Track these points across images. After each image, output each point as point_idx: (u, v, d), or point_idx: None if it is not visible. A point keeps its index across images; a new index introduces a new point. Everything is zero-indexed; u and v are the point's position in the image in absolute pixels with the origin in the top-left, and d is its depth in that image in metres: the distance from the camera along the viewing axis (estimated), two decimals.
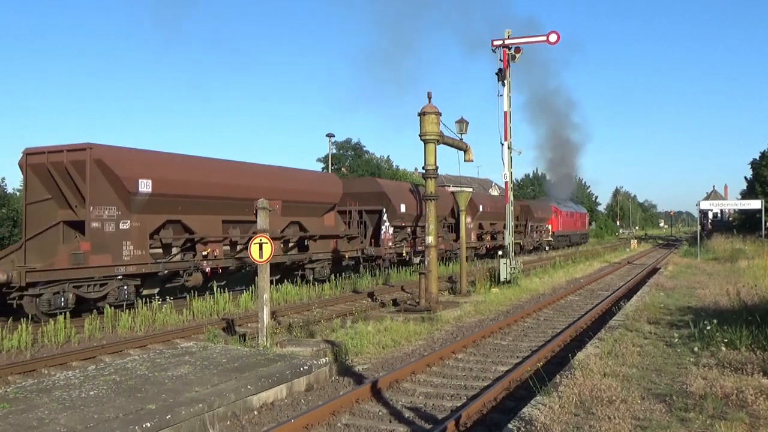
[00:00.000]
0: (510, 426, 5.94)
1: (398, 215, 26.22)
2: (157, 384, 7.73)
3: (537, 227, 47.17)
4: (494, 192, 74.38)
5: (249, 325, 14.51)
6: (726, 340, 9.28)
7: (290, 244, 21.46)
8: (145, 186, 15.33)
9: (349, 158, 54.46)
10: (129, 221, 15.32)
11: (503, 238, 36.30)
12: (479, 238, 35.61)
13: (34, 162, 15.37)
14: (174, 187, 16.19)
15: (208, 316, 15.50)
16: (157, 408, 6.70)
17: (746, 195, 61.44)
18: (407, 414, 7.65)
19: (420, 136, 16.03)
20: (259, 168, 20.23)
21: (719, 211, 75.52)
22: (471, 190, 47.06)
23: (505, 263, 21.61)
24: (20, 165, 15.67)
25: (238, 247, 18.78)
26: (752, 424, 5.80)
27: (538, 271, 27.55)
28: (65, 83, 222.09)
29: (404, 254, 27.02)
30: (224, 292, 17.27)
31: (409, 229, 27.70)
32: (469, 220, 32.98)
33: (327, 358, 9.54)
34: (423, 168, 16.45)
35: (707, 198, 75.19)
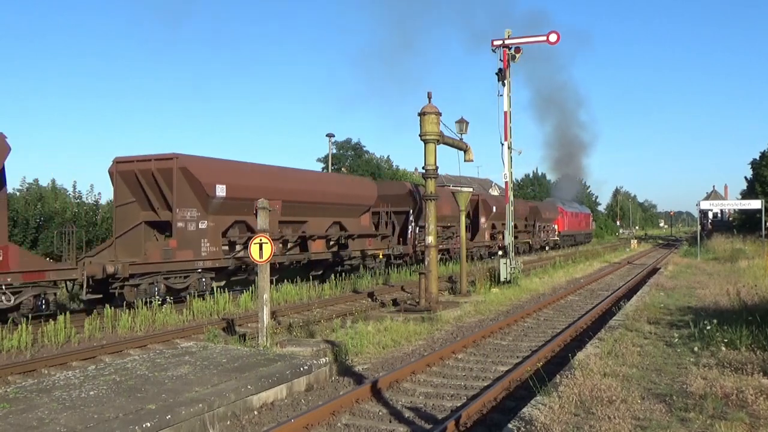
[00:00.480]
0: (510, 426, 5.94)
1: (423, 216, 27.01)
2: (157, 384, 7.73)
3: (544, 227, 48.91)
4: (494, 192, 74.44)
5: (249, 325, 14.51)
6: (726, 340, 9.28)
7: (331, 243, 23.28)
8: (220, 190, 17.43)
9: (349, 158, 54.47)
10: (206, 221, 17.40)
11: (514, 237, 40.42)
12: (492, 237, 37.30)
13: (122, 169, 17.27)
14: (242, 191, 17.99)
15: (208, 316, 15.50)
16: (157, 408, 6.70)
17: (746, 195, 61.43)
18: (407, 414, 7.65)
19: (420, 136, 16.03)
20: (309, 174, 23.48)
21: (719, 211, 75.53)
22: (471, 190, 47.49)
23: (505, 263, 21.62)
24: (110, 172, 17.48)
25: (289, 245, 20.93)
26: (752, 424, 5.80)
27: (538, 271, 27.55)
28: (65, 83, 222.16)
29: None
30: (224, 292, 17.28)
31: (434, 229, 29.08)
32: (483, 220, 35.51)
33: (327, 358, 9.54)
34: (423, 168, 16.46)
35: (707, 198, 75.18)
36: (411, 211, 27.43)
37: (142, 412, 6.54)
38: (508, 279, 21.26)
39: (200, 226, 17.22)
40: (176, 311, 15.11)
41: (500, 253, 25.35)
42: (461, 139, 18.87)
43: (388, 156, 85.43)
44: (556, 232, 52.34)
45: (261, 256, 10.25)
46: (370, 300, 18.65)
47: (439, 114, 16.07)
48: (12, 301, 13.25)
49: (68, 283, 15.65)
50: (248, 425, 7.26)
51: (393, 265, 26.49)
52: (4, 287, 13.04)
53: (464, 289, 18.81)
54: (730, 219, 71.68)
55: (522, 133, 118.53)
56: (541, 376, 7.68)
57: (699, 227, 45.72)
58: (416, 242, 27.66)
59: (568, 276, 26.30)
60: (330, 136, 44.50)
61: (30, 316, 13.35)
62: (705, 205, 43.89)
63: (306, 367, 8.80)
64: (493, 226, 37.36)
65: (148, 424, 6.23)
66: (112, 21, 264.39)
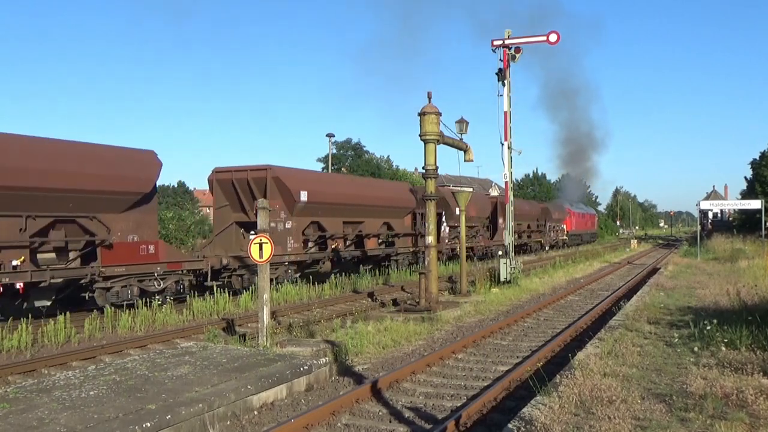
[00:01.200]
0: (510, 426, 5.94)
1: (454, 217, 31.55)
2: (157, 384, 7.73)
3: (554, 227, 52.66)
4: (494, 192, 74.59)
5: (249, 325, 14.51)
6: (726, 340, 9.27)
7: (379, 240, 26.51)
8: (304, 196, 20.48)
9: (349, 158, 54.49)
10: (291, 222, 20.54)
11: (528, 236, 45.05)
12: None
13: (220, 178, 20.67)
14: (319, 196, 21.27)
15: (208, 316, 15.50)
16: (157, 408, 6.70)
17: (746, 195, 61.43)
18: (407, 414, 7.65)
19: (420, 136, 16.03)
20: (366, 181, 29.16)
21: (719, 211, 75.49)
22: (471, 190, 47.77)
23: (505, 263, 21.61)
24: (209, 180, 20.95)
25: (347, 242, 24.02)
26: (752, 424, 5.80)
27: (538, 271, 27.55)
28: (65, 83, 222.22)
29: (457, 249, 31.72)
30: (224, 292, 17.30)
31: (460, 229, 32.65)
32: (501, 221, 38.83)
33: (327, 358, 9.54)
34: (423, 168, 16.45)
35: (707, 198, 75.08)
36: (443, 213, 31.19)
37: (142, 412, 6.54)
38: (508, 279, 21.25)
39: (286, 226, 20.43)
40: (176, 311, 15.11)
41: (500, 253, 25.59)
42: (461, 139, 18.87)
43: (388, 156, 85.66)
44: (565, 232, 56.07)
45: (261, 256, 10.23)
46: (370, 300, 18.65)
47: (439, 114, 16.06)
48: (161, 285, 16.40)
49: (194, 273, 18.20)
50: (248, 425, 7.26)
51: (395, 264, 27.72)
52: (156, 274, 16.20)
53: (464, 289, 18.81)
54: (730, 219, 71.64)
55: (530, 132, 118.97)
56: (541, 376, 7.67)
57: (699, 227, 45.74)
58: (447, 240, 31.94)
59: (568, 276, 26.30)
60: (330, 136, 44.53)
61: (124, 304, 15.14)
62: (705, 205, 43.88)
63: (306, 367, 8.80)
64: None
65: (148, 424, 6.23)
66: (111, 20, 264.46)
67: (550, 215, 50.42)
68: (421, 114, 15.92)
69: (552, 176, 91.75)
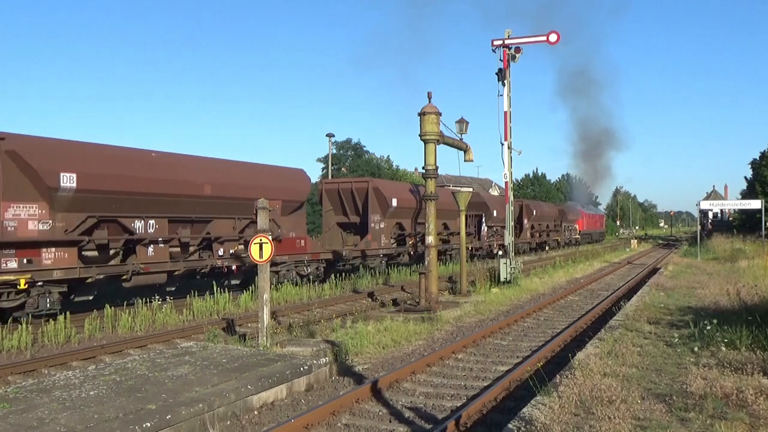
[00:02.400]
0: (510, 426, 5.94)
1: (492, 219, 37.14)
2: (157, 384, 7.73)
3: (569, 227, 59.20)
4: (494, 192, 74.66)
5: (249, 325, 14.51)
6: (726, 340, 9.27)
7: (440, 238, 29.83)
8: (395, 202, 25.76)
9: (349, 158, 54.46)
10: (384, 223, 25.46)
11: (547, 235, 51.52)
12: (531, 235, 47.62)
13: (327, 188, 26.55)
14: (405, 202, 26.76)
15: (208, 316, 15.50)
16: (157, 408, 6.70)
17: (746, 195, 61.39)
18: (407, 414, 7.65)
19: (420, 136, 16.02)
20: (444, 189, 31.80)
21: (719, 211, 75.34)
22: (471, 190, 48.11)
23: (505, 263, 21.60)
24: (319, 190, 27.00)
25: (417, 239, 28.11)
26: (752, 424, 5.80)
27: (538, 271, 27.54)
28: (65, 82, 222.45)
29: (495, 247, 36.59)
30: (224, 292, 17.30)
31: (496, 228, 38.21)
32: (526, 221, 45.50)
33: (327, 358, 9.54)
34: (423, 168, 16.45)
35: (707, 198, 75.04)
36: (484, 215, 36.17)
37: (142, 412, 6.54)
38: (508, 279, 21.24)
39: (381, 226, 25.35)
40: (176, 311, 15.11)
41: (500, 252, 25.74)
42: (461, 139, 18.87)
43: (388, 156, 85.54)
44: (578, 231, 62.24)
45: (261, 256, 10.23)
46: (370, 300, 18.65)
47: (439, 114, 16.06)
48: (308, 271, 21.21)
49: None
50: (248, 425, 7.26)
51: (398, 264, 29.18)
52: (305, 261, 21.08)
53: (464, 289, 18.80)
54: (730, 219, 71.55)
55: (530, 131, 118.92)
56: (541, 376, 7.67)
57: (699, 227, 45.75)
58: (486, 238, 36.71)
59: (568, 276, 26.29)
60: (330, 136, 44.53)
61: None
62: (705, 205, 43.87)
63: (306, 367, 8.80)
64: (533, 227, 47.97)
65: (148, 424, 6.23)
66: (110, 20, 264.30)
67: (566, 216, 56.71)
68: (421, 114, 15.91)
69: (552, 176, 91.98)
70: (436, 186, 16.52)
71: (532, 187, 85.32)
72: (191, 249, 18.05)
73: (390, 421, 7.40)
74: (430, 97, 16.01)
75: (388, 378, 8.90)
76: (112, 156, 15.65)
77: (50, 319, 13.06)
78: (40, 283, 13.61)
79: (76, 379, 8.05)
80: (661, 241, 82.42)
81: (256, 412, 7.62)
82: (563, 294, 19.93)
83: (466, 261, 26.63)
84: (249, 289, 18.09)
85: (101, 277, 15.07)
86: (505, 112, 22.61)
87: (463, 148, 19.14)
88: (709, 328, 9.66)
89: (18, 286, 13.09)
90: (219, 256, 18.52)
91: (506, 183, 23.30)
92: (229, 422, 7.20)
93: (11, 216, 13.31)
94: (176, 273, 17.07)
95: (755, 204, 38.35)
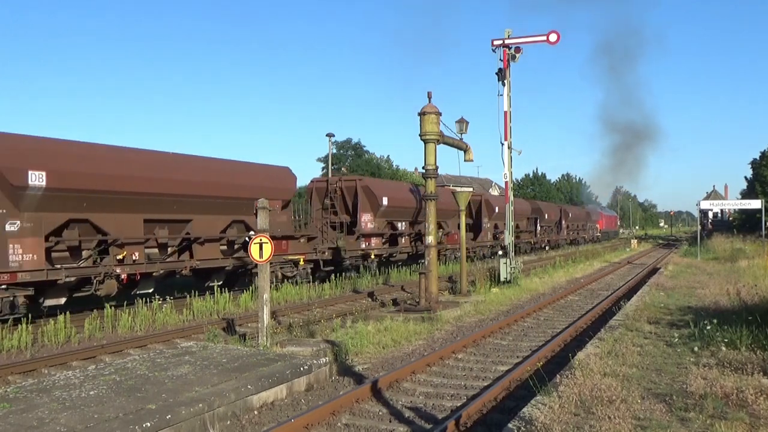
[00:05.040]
0: (510, 426, 5.94)
1: (545, 220, 43.63)
2: (157, 384, 7.73)
3: (592, 226, 71.76)
4: (495, 192, 74.77)
5: (249, 324, 14.51)
6: (726, 340, 9.27)
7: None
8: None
9: (349, 158, 54.48)
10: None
11: (576, 233, 62.17)
12: (567, 234, 57.26)
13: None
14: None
15: (208, 316, 15.50)
16: (157, 408, 6.70)
17: (746, 195, 61.46)
18: (407, 414, 7.65)
19: (420, 135, 16.02)
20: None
21: (719, 211, 75.35)
22: (471, 189, 48.30)
23: (505, 263, 21.59)
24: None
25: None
26: (752, 424, 5.80)
27: (538, 271, 27.54)
28: (64, 83, 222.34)
29: (544, 243, 43.96)
30: (224, 292, 17.29)
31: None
32: (564, 222, 53.68)
33: (327, 358, 9.54)
34: (423, 168, 16.44)
35: (707, 198, 75.04)
36: (538, 218, 41.62)
37: (142, 412, 6.54)
38: (508, 279, 21.24)
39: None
40: (176, 311, 15.11)
41: (500, 252, 25.69)
42: (461, 138, 18.86)
43: (388, 156, 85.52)
44: (599, 230, 75.20)
45: (261, 256, 10.23)
46: (370, 300, 18.65)
47: (439, 114, 16.06)
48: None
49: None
50: (248, 425, 7.26)
51: (394, 264, 28.39)
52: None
53: (464, 289, 18.80)
54: (730, 219, 71.56)
55: (531, 131, 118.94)
56: (541, 376, 7.67)
57: (699, 227, 45.73)
58: (537, 235, 42.52)
59: (568, 276, 26.29)
60: (330, 136, 44.45)
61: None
62: (705, 204, 43.88)
63: (306, 367, 8.80)
64: (568, 226, 57.29)
65: (148, 424, 6.23)
66: (110, 19, 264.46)
67: (590, 217, 69.86)
68: (421, 114, 15.91)
69: (552, 176, 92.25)
70: (435, 184, 16.52)
71: (532, 187, 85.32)
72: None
73: (390, 421, 7.40)
74: (430, 97, 16.04)
75: (388, 378, 8.90)
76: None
77: (50, 319, 13.05)
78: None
79: (76, 379, 8.05)
80: (661, 241, 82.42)
81: (256, 412, 7.62)
82: (563, 294, 19.93)
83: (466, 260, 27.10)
84: (249, 289, 18.09)
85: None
86: (505, 112, 22.61)
87: (463, 148, 19.14)
88: (709, 328, 9.66)
89: None
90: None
91: (506, 183, 23.29)
92: (229, 422, 7.20)
93: None
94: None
95: (755, 204, 38.35)
